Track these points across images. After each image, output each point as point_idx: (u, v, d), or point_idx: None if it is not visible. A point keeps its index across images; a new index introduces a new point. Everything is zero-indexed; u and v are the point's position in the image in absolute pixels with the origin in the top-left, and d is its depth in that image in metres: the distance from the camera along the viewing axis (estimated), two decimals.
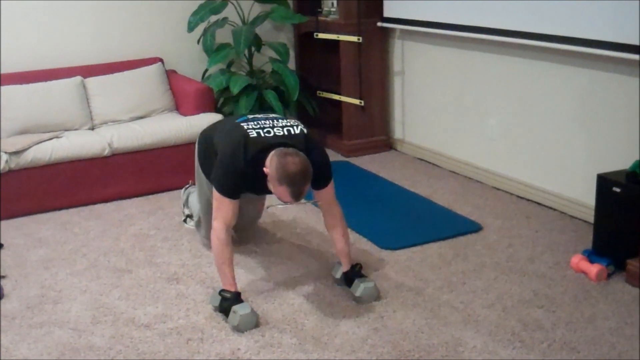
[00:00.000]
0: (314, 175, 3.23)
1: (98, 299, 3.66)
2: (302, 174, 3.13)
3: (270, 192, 3.33)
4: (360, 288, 3.48)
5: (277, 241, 4.28)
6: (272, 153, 3.22)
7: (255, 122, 3.41)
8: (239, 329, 3.27)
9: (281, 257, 4.07)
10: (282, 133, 3.35)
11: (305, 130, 3.44)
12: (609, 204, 3.68)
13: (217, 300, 3.41)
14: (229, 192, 3.36)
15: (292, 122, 3.48)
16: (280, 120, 3.46)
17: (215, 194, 3.39)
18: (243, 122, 3.44)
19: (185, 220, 4.60)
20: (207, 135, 3.74)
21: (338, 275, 3.66)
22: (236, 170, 3.31)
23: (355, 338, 3.19)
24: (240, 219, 3.60)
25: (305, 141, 3.37)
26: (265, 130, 3.35)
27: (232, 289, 3.38)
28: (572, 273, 3.73)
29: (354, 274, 3.56)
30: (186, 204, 4.56)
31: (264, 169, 3.22)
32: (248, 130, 3.34)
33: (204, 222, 4.06)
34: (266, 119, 3.47)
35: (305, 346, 3.15)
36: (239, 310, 3.28)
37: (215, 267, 3.75)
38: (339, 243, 3.59)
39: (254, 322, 3.31)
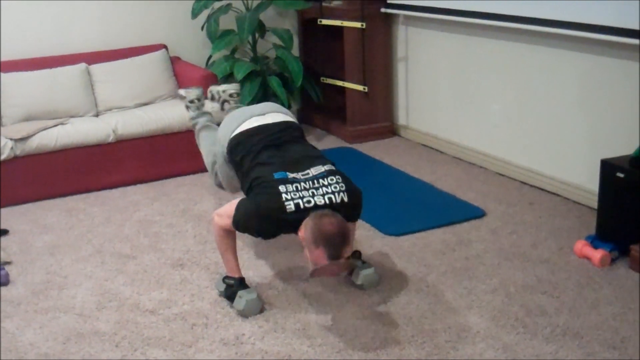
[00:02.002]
0: (347, 211, 3.13)
1: (103, 285, 3.68)
2: (339, 234, 2.94)
3: (291, 232, 3.18)
4: (360, 276, 3.50)
5: None
6: (307, 218, 3.03)
7: (295, 187, 3.12)
8: (244, 314, 3.29)
9: (284, 243, 4.08)
10: (322, 202, 3.08)
11: (346, 198, 3.15)
12: (613, 190, 3.68)
13: (223, 286, 3.43)
14: (240, 228, 3.22)
15: (334, 185, 3.17)
16: (321, 181, 3.17)
17: (230, 210, 3.22)
18: (281, 183, 3.13)
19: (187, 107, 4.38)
20: (236, 151, 3.48)
21: None
22: (258, 232, 3.19)
23: (359, 323, 3.21)
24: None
25: (345, 208, 3.14)
26: (305, 200, 3.07)
27: (236, 275, 3.40)
28: (575, 259, 3.73)
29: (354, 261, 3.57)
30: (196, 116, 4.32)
31: (299, 233, 3.06)
32: (286, 204, 3.05)
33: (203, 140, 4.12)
34: (306, 180, 3.16)
35: (309, 331, 3.16)
36: (244, 295, 3.30)
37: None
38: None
39: (260, 307, 3.33)
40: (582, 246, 3.73)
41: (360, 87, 5.88)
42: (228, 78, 5.87)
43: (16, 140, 4.73)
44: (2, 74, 5.14)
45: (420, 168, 5.25)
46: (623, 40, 3.84)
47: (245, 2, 6.02)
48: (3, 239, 4.28)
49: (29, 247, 4.16)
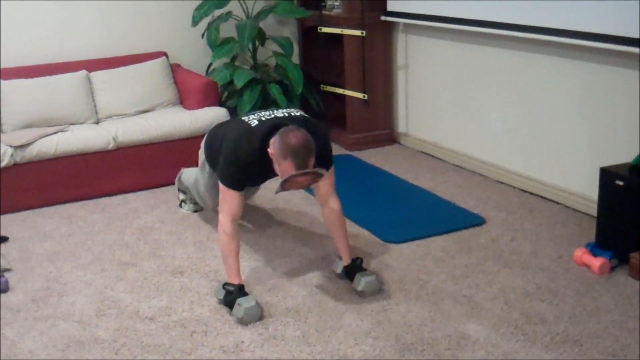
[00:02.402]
0: (316, 157, 3.24)
1: (103, 292, 3.68)
2: (304, 146, 3.14)
3: (276, 175, 3.33)
4: (362, 282, 3.49)
5: (280, 234, 4.30)
6: (274, 136, 3.24)
7: (255, 114, 3.47)
8: (243, 322, 3.29)
9: (284, 250, 4.08)
10: (282, 115, 3.42)
11: (306, 115, 3.50)
12: (612, 197, 3.69)
13: (222, 293, 3.42)
14: (234, 184, 3.38)
15: (293, 109, 3.55)
16: (280, 108, 3.54)
17: (221, 187, 3.41)
18: (244, 116, 3.51)
19: (180, 205, 4.73)
20: (215, 133, 3.81)
21: (339, 270, 3.67)
22: (240, 163, 3.34)
23: (358, 331, 3.21)
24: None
25: (305, 122, 3.40)
26: (265, 115, 3.42)
27: (236, 282, 3.40)
28: (575, 266, 3.73)
29: (355, 268, 3.58)
30: (180, 187, 4.70)
31: (269, 150, 3.24)
32: (249, 121, 3.40)
33: (190, 190, 4.47)
34: (266, 110, 3.53)
35: (308, 339, 3.16)
36: (243, 303, 3.30)
37: (221, 260, 3.79)
38: (339, 238, 3.60)
39: (259, 315, 3.33)
40: (581, 254, 3.73)
41: (360, 95, 5.88)
42: (228, 85, 5.89)
43: (16, 148, 4.73)
44: (3, 81, 5.15)
45: (420, 175, 5.25)
46: (623, 48, 3.85)
47: (245, 10, 6.03)
48: (3, 246, 4.28)
49: (28, 254, 4.16)
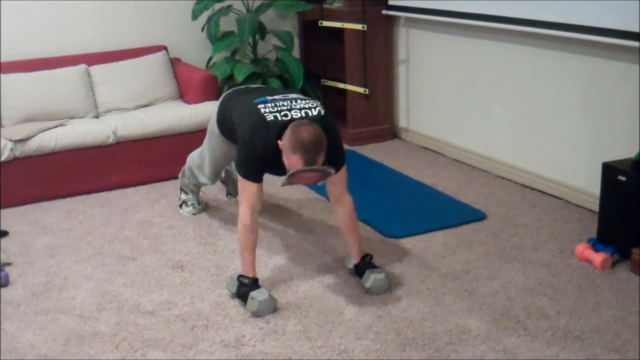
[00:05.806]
0: (327, 157, 3.19)
1: (103, 286, 3.67)
2: (315, 142, 3.10)
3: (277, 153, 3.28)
4: (370, 279, 3.46)
5: (282, 229, 4.29)
6: (287, 128, 3.20)
7: (273, 104, 3.36)
8: (257, 314, 3.29)
9: (286, 245, 4.07)
10: (299, 115, 3.29)
11: (322, 112, 3.37)
12: (614, 193, 3.68)
13: (235, 286, 3.42)
14: (251, 175, 3.35)
15: (311, 103, 3.41)
16: (299, 102, 3.39)
17: (239, 178, 3.39)
18: (261, 103, 3.38)
19: (180, 206, 4.63)
20: (228, 105, 3.71)
21: (350, 265, 3.66)
22: (256, 154, 3.30)
23: (359, 325, 3.20)
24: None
25: (321, 122, 3.29)
26: (282, 114, 3.29)
27: (251, 275, 3.40)
28: (576, 262, 3.73)
29: (365, 265, 3.55)
30: (183, 184, 4.60)
31: (279, 142, 3.20)
32: (265, 115, 3.30)
33: (191, 170, 4.35)
34: (284, 99, 3.40)
35: (309, 333, 3.16)
36: (257, 296, 3.29)
37: (221, 255, 3.78)
38: (350, 236, 3.58)
39: (272, 307, 3.33)
40: (583, 249, 3.73)
41: (361, 90, 5.87)
42: (228, 79, 5.87)
43: (16, 142, 4.72)
44: (2, 75, 5.14)
45: (421, 170, 5.24)
46: (626, 43, 3.84)
47: (245, 3, 6.01)
48: (3, 240, 4.27)
49: (28, 249, 4.15)
